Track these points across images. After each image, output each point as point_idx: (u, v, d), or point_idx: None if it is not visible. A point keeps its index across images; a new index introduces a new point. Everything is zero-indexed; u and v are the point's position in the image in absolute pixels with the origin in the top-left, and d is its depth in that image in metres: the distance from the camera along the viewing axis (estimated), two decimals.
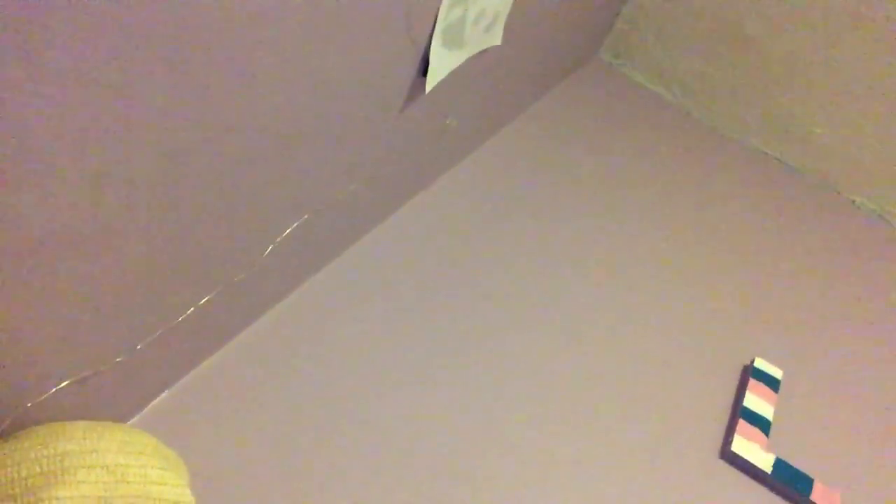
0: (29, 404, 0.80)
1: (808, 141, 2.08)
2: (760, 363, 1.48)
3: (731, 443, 1.32)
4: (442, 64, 1.18)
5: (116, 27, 0.57)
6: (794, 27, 1.91)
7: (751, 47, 2.00)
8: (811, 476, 1.32)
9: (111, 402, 0.95)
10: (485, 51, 1.35)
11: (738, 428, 1.35)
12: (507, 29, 1.37)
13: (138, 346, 0.93)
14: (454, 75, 1.30)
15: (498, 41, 1.35)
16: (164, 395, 1.08)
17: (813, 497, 1.28)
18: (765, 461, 1.31)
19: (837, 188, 2.11)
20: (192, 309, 1.00)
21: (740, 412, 1.38)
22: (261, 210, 0.99)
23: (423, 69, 1.16)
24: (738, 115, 2.16)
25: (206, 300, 1.01)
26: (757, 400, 1.41)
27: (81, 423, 0.78)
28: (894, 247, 1.99)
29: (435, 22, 1.08)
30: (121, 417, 0.99)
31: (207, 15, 0.65)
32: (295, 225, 1.12)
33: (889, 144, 1.93)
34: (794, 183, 2.12)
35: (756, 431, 1.35)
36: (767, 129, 2.13)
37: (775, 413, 1.43)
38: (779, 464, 1.31)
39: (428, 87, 1.18)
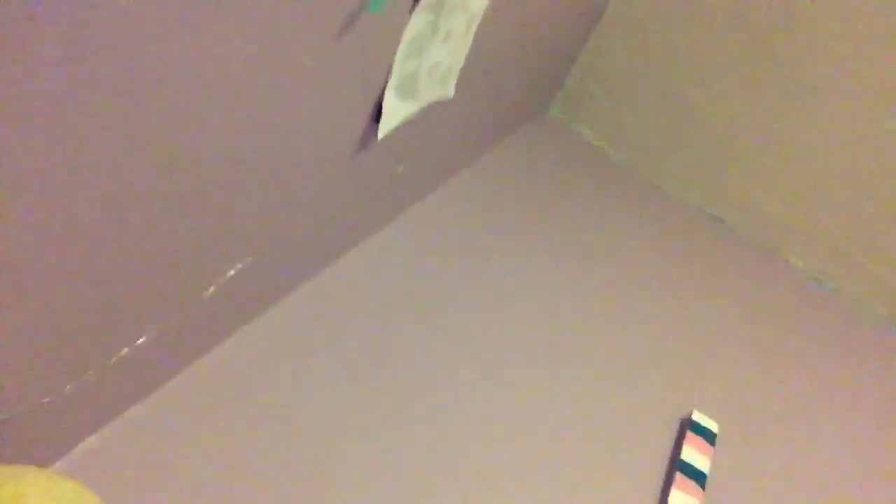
0: None
1: (746, 202, 2.16)
2: (698, 416, 1.51)
3: (668, 497, 1.34)
4: (395, 113, 1.20)
5: (64, 58, 0.57)
6: (734, 96, 2.00)
7: (693, 113, 2.09)
8: None
9: (35, 445, 0.91)
10: (437, 102, 1.38)
11: (675, 482, 1.36)
12: (460, 82, 1.40)
13: (67, 387, 0.89)
14: (407, 124, 1.32)
15: (451, 94, 1.38)
16: (91, 438, 1.04)
17: None
18: None
19: (773, 248, 2.19)
20: (126, 349, 0.97)
21: (678, 465, 1.40)
22: (204, 250, 0.98)
23: (377, 116, 1.17)
24: (681, 175, 2.23)
25: (143, 341, 0.99)
26: (694, 453, 1.43)
27: (0, 468, 0.75)
28: (827, 307, 2.07)
29: (390, 72, 1.09)
30: (44, 461, 0.95)
31: (157, 52, 0.65)
32: (239, 266, 1.11)
33: (824, 209, 2.02)
34: (732, 242, 2.19)
35: (693, 485, 1.37)
36: (708, 191, 2.20)
37: (711, 467, 1.45)
38: None
39: (380, 135, 1.19)
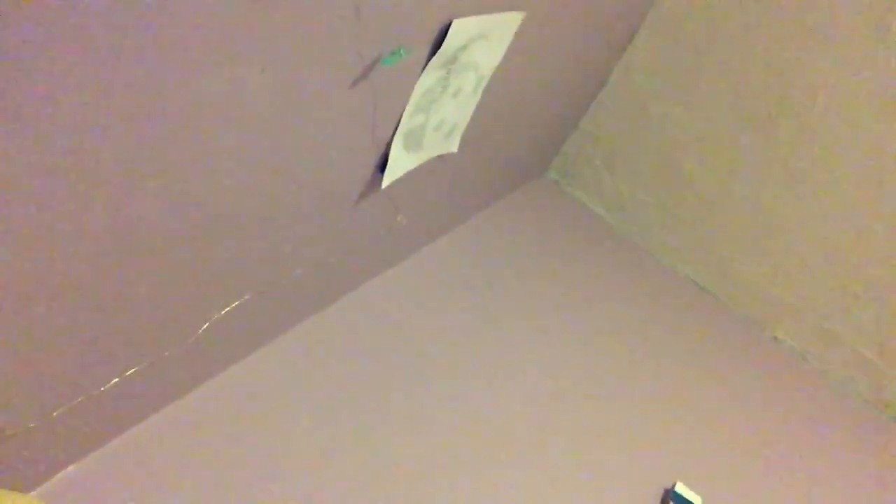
0: None
1: (736, 275, 2.18)
2: (681, 488, 1.50)
3: None
4: (399, 164, 1.22)
5: (90, 93, 0.59)
6: (729, 172, 2.04)
7: (688, 185, 2.13)
8: None
9: (16, 470, 0.90)
10: (441, 156, 1.41)
11: None
12: (464, 139, 1.44)
13: (54, 413, 0.88)
14: (410, 176, 1.34)
15: (454, 149, 1.41)
16: (72, 467, 1.02)
17: None
18: None
19: (761, 323, 2.20)
20: (115, 380, 0.96)
21: None
22: (202, 286, 0.99)
23: (382, 166, 1.20)
24: (673, 245, 2.26)
25: (133, 372, 0.98)
26: None
27: None
28: (812, 385, 2.08)
29: (398, 124, 1.12)
30: (24, 487, 0.93)
31: (172, 87, 0.67)
32: (235, 304, 1.11)
33: (813, 287, 2.05)
34: (719, 314, 2.21)
35: None
36: (699, 262, 2.23)
37: None
38: None
39: (384, 184, 1.21)
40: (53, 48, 0.53)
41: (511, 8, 1.15)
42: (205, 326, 1.07)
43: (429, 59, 1.04)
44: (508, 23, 1.18)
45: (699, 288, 2.27)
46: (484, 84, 1.30)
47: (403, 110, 1.10)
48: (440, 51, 1.03)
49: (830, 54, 1.73)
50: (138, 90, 0.62)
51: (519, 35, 1.25)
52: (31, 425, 0.85)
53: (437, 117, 1.22)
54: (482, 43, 1.14)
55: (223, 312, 1.09)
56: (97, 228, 0.71)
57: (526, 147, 2.02)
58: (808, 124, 1.84)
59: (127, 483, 1.04)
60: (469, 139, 1.47)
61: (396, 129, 1.13)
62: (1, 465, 0.86)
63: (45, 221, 0.65)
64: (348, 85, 0.93)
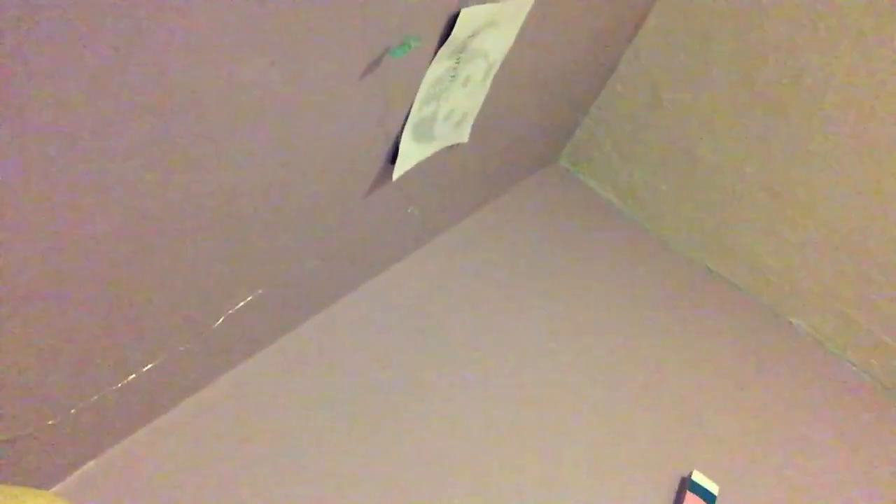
0: None
1: (750, 261, 2.17)
2: (698, 476, 1.49)
3: None
4: (410, 154, 1.22)
5: (101, 88, 0.58)
6: (741, 155, 2.02)
7: (700, 168, 2.12)
8: None
9: (35, 467, 0.90)
10: (451, 146, 1.40)
11: None
12: (475, 128, 1.43)
13: (72, 411, 0.89)
14: (421, 166, 1.33)
15: (465, 139, 1.40)
16: (91, 463, 1.02)
17: None
18: None
19: (776, 309, 2.19)
20: (133, 376, 0.97)
21: None
22: (217, 280, 0.99)
23: (392, 157, 1.19)
24: (687, 231, 2.25)
25: (150, 367, 0.99)
26: None
27: (1, 487, 0.74)
28: (827, 370, 2.06)
29: (408, 115, 1.11)
30: (43, 484, 0.94)
31: (185, 78, 0.67)
32: (249, 298, 1.11)
33: (829, 271, 2.03)
34: (735, 300, 2.19)
35: None
36: (713, 247, 2.22)
37: None
38: None
39: (395, 175, 1.21)
40: (59, 42, 0.53)
41: None
42: (220, 321, 1.08)
43: (438, 48, 1.03)
44: (518, 10, 1.17)
45: (714, 275, 2.26)
46: (494, 72, 1.29)
47: (413, 101, 1.09)
48: (449, 39, 1.02)
49: (844, 38, 1.70)
50: (149, 85, 0.62)
51: (528, 22, 1.24)
52: (50, 423, 0.86)
53: (447, 107, 1.22)
54: (491, 30, 1.13)
55: (237, 307, 1.09)
56: (111, 224, 0.71)
57: (537, 135, 2.01)
58: (822, 109, 1.82)
59: (146, 478, 1.05)
60: (480, 128, 1.46)
61: (406, 120, 1.12)
62: (21, 462, 0.86)
63: (60, 218, 0.65)
64: (358, 77, 0.92)
